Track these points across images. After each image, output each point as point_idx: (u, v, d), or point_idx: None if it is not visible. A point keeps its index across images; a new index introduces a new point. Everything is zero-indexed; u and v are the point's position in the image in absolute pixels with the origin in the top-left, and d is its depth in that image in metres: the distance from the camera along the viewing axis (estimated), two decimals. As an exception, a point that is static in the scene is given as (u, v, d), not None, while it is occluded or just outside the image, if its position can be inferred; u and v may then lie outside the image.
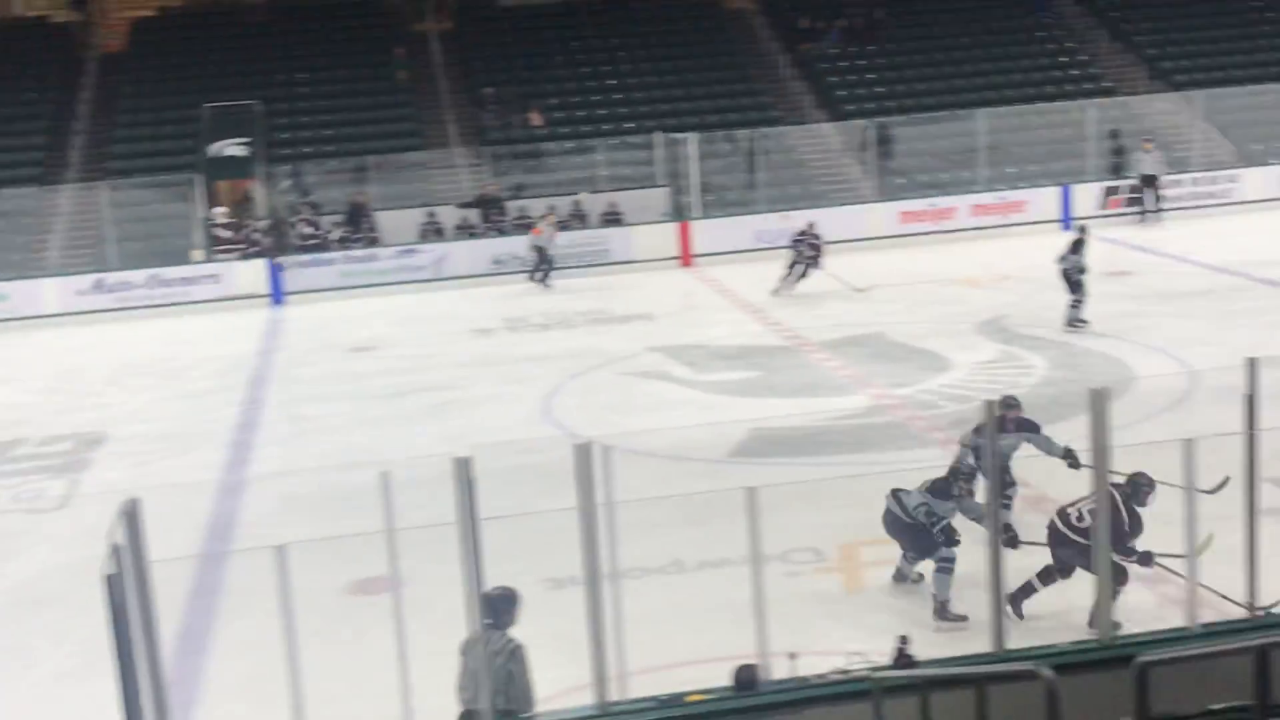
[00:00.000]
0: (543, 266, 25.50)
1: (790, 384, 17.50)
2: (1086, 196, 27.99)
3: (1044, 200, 28.02)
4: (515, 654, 7.15)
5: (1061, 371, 16.93)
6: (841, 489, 12.51)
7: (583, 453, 6.50)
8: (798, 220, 24.50)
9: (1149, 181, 27.43)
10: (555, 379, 18.36)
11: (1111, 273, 23.17)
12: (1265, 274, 21.66)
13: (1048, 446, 11.26)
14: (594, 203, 27.93)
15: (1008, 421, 11.01)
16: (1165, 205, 27.65)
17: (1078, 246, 19.34)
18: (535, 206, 27.36)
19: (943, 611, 9.79)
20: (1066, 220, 27.59)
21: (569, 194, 27.97)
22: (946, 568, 9.84)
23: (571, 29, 33.22)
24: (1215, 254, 23.59)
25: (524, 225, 26.79)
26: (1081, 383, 14.56)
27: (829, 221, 24.53)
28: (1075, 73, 32.25)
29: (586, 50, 32.69)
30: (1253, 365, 8.17)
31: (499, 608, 7.19)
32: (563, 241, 25.95)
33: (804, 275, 22.89)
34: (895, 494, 10.27)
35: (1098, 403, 7.17)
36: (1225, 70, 32.26)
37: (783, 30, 33.73)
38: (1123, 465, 9.20)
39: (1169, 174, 28.11)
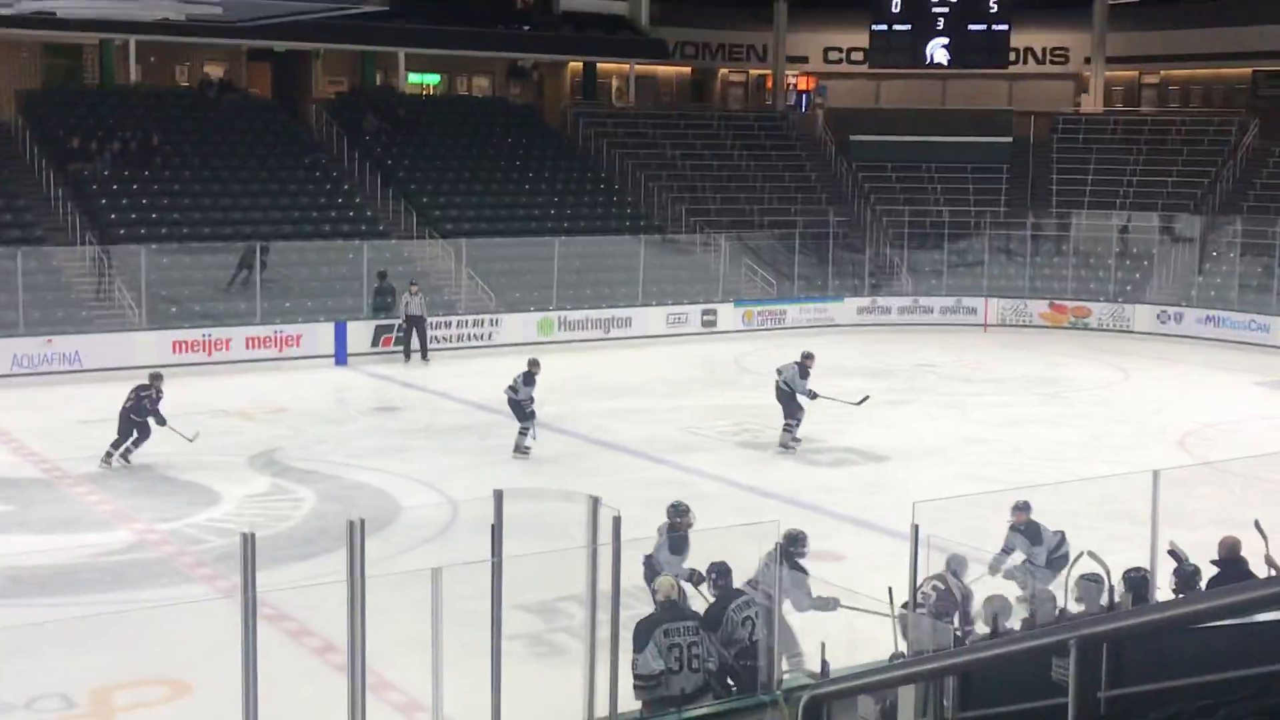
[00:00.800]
0: None
1: (45, 519, 16.38)
2: (360, 333, 28.82)
3: (318, 335, 28.50)
4: None
5: (331, 505, 17.13)
6: (95, 629, 11.82)
7: None
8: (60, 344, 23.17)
9: (415, 322, 28.66)
10: None
11: (380, 408, 23.97)
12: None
13: None
14: None
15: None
16: (432, 345, 29.02)
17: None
18: None
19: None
20: (340, 356, 28.25)
21: None
22: None
23: None
24: (477, 392, 25.04)
25: None
26: (350, 515, 14.80)
27: (93, 348, 23.43)
28: (351, 214, 33.33)
29: None
30: (499, 497, 8.74)
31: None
32: None
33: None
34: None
35: (353, 535, 7.35)
36: (489, 222, 34.76)
37: (52, 149, 32.11)
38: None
39: (435, 316, 29.57)
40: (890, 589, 9.96)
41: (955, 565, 10.94)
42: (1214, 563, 11.15)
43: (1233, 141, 40.02)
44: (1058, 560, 12.34)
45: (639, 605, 10.76)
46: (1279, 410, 24.38)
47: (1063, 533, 12.57)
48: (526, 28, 41.79)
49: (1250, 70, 42.65)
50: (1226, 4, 40.99)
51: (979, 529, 14.39)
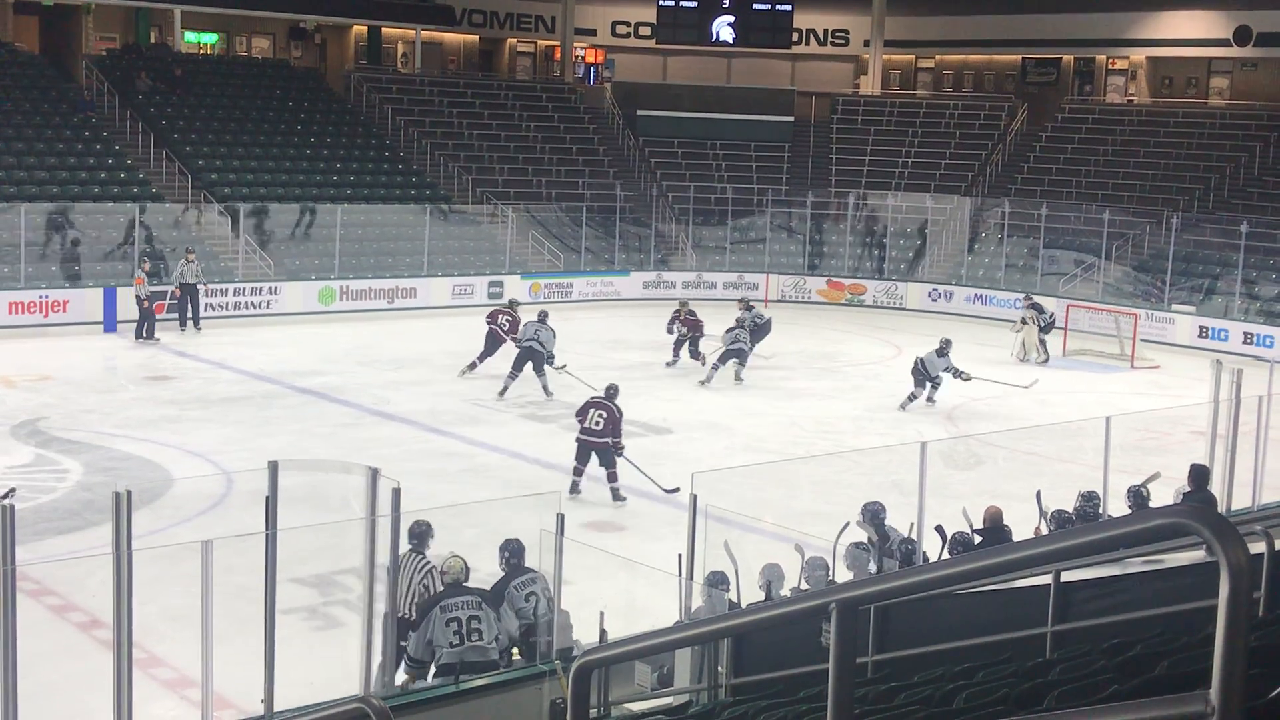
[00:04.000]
0: None
1: None
2: (131, 300, 27.80)
3: (87, 301, 27.40)
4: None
5: (98, 476, 16.53)
6: None
7: None
8: None
9: (189, 291, 27.70)
10: None
11: (153, 377, 23.19)
12: (299, 382, 22.87)
13: None
14: None
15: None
16: (207, 314, 28.18)
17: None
18: None
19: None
20: (110, 323, 27.23)
21: None
22: None
23: None
24: (253, 362, 24.48)
25: None
26: (117, 486, 14.29)
27: None
28: (123, 176, 32.09)
29: None
30: (274, 469, 8.56)
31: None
32: None
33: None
34: None
35: (119, 507, 7.11)
36: (269, 188, 33.91)
37: None
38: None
39: (211, 283, 28.72)
40: (680, 555, 10.11)
41: (871, 514, 11.45)
42: (977, 531, 11.62)
43: (1002, 126, 41.63)
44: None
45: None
46: (1040, 386, 25.51)
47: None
48: (310, -11, 40.83)
49: (1020, 57, 44.40)
50: (998, -6, 42.63)
51: (755, 498, 14.72)
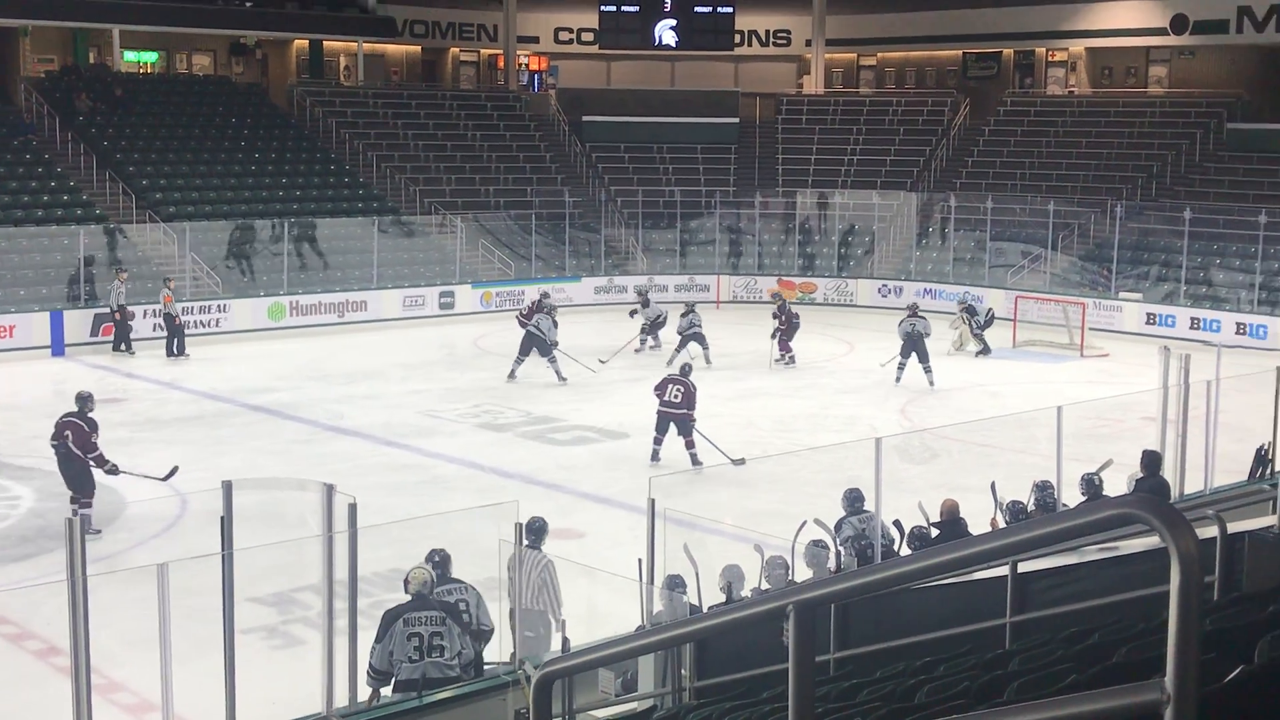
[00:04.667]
0: None
1: None
2: (78, 323, 27.54)
3: (33, 326, 27.11)
4: (549, 566, 10.01)
5: (51, 502, 16.33)
6: None
7: None
8: None
9: (124, 311, 27.38)
10: None
11: (103, 400, 22.94)
12: (251, 400, 22.72)
13: None
14: None
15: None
16: (157, 334, 27.90)
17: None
18: None
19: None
20: (57, 347, 26.97)
21: None
22: None
23: None
24: (204, 381, 24.29)
25: None
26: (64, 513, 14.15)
27: None
28: (65, 198, 31.78)
29: None
30: (228, 488, 8.50)
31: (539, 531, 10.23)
32: None
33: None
34: None
35: (72, 532, 7.05)
36: (214, 205, 33.66)
37: None
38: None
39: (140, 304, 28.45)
40: (640, 560, 10.11)
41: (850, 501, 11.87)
42: (935, 525, 11.69)
43: (945, 121, 41.91)
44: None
45: (377, 593, 10.66)
46: (991, 378, 25.69)
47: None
48: (249, 4, 40.56)
49: (960, 52, 44.72)
50: (937, -11, 42.93)
51: (714, 501, 14.75)
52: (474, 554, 10.42)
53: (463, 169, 38.84)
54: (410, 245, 35.12)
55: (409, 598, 8.98)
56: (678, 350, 25.73)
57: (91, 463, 15.04)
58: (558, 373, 24.29)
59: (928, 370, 24.45)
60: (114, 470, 15.19)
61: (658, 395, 18.81)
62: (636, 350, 27.45)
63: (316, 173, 36.97)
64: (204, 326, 29.22)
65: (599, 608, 10.87)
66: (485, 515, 10.23)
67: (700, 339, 26.24)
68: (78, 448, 15.02)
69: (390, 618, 8.87)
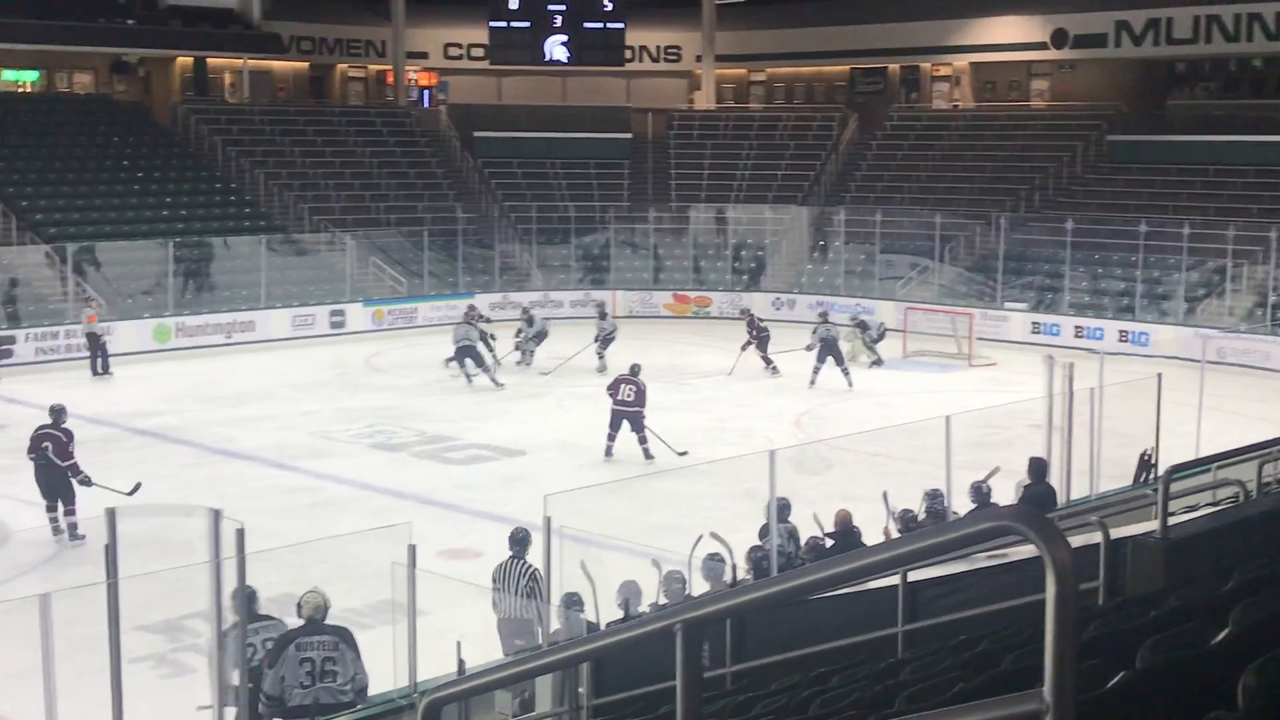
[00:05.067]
0: None
1: None
2: None
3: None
4: (536, 575, 10.44)
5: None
6: None
7: None
8: None
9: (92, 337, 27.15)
10: None
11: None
12: (138, 424, 22.28)
13: None
14: None
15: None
16: (41, 359, 27.29)
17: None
18: None
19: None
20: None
21: None
22: None
23: None
24: (89, 405, 23.70)
25: None
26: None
27: None
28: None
29: None
30: (112, 515, 8.32)
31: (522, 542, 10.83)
32: None
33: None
34: None
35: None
36: (96, 225, 32.99)
37: None
38: None
39: (40, 326, 27.85)
40: (582, 562, 10.10)
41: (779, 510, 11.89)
42: (829, 535, 11.80)
43: (834, 136, 42.41)
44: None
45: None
46: (883, 389, 26.01)
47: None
48: (131, 21, 39.85)
49: (848, 68, 45.31)
50: (824, 5, 43.38)
51: (612, 516, 14.73)
52: (367, 576, 10.31)
53: (352, 186, 38.49)
54: (299, 264, 34.71)
55: (302, 622, 8.85)
56: (600, 353, 27.30)
57: (67, 471, 15.73)
58: (494, 380, 25.70)
59: (845, 373, 25.68)
60: (86, 481, 15.80)
61: (611, 395, 20.12)
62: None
63: (203, 191, 36.41)
64: (88, 349, 28.54)
65: (496, 628, 10.80)
66: (378, 537, 10.11)
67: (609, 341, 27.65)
68: (57, 457, 15.74)
69: (282, 643, 8.73)
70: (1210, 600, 4.27)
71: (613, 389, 20.21)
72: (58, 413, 16.37)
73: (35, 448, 15.87)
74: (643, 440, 19.89)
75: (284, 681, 8.55)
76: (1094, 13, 38.78)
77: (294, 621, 8.93)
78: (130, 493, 15.68)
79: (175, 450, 20.58)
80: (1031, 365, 20.28)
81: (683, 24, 45.50)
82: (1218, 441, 13.17)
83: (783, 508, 12.14)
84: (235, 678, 8.69)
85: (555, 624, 9.66)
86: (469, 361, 25.67)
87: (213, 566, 8.40)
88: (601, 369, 26.70)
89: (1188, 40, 37.69)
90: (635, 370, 20.71)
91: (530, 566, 10.75)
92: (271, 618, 9.28)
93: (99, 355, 26.91)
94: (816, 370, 25.90)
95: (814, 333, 26.24)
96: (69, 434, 16.13)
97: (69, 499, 15.62)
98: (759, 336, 27.68)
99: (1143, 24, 38.20)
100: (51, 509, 15.62)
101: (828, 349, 25.93)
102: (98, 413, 23.18)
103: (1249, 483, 8.13)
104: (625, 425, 19.95)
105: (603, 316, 28.81)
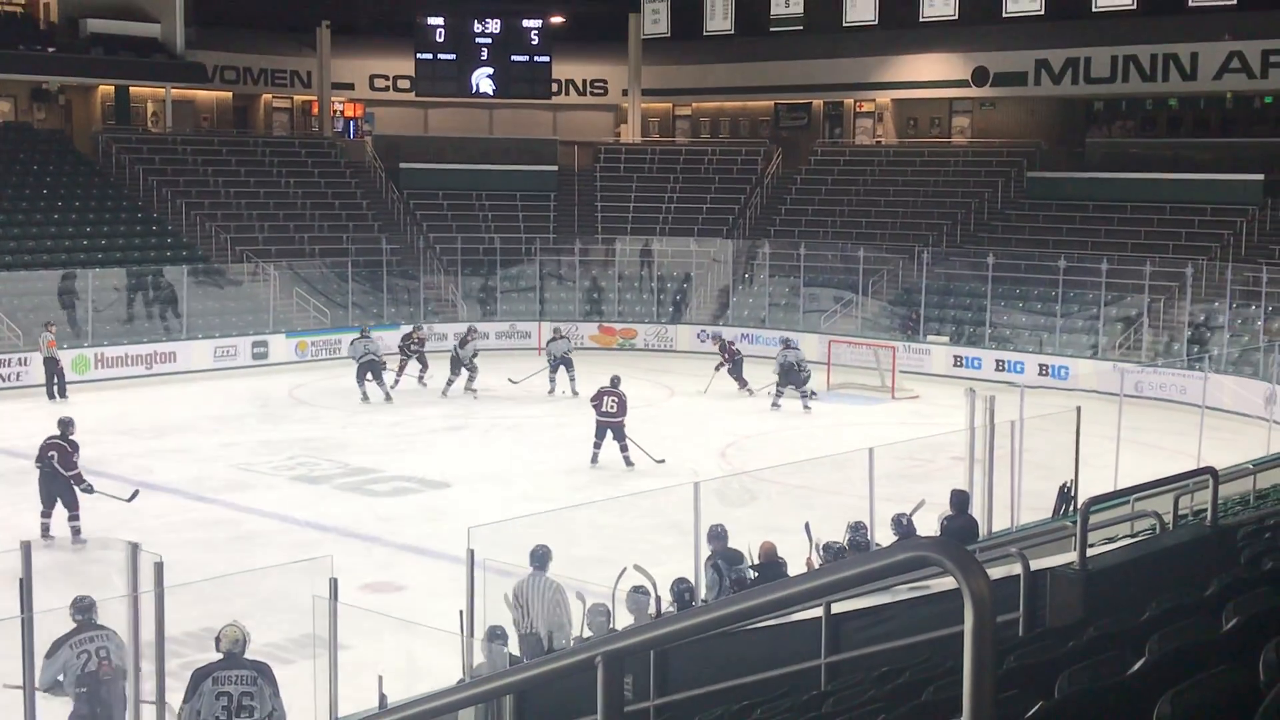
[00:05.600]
0: None
1: None
2: None
3: None
4: (560, 588, 10.70)
5: None
6: None
7: None
8: None
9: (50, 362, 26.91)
10: None
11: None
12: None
13: None
14: None
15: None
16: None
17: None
18: None
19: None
20: None
21: None
22: None
23: None
24: (3, 437, 23.33)
25: None
26: None
27: None
28: None
29: None
30: (27, 549, 8.16)
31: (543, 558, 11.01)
32: None
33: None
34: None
35: None
36: (14, 254, 32.49)
37: None
38: None
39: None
40: (461, 612, 9.98)
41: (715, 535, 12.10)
42: (754, 567, 11.82)
43: (759, 170, 42.74)
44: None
45: (188, 653, 10.32)
46: (806, 421, 26.16)
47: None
48: (52, 49, 39.33)
49: (773, 103, 45.71)
50: (749, 41, 43.75)
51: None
52: (288, 609, 10.18)
53: (276, 216, 38.19)
54: (221, 294, 34.35)
55: (220, 656, 8.72)
56: (552, 374, 28.48)
57: (71, 480, 16.83)
58: (388, 394, 27.37)
59: (805, 396, 26.75)
60: (89, 489, 16.94)
61: (595, 406, 21.79)
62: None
63: (124, 220, 35.96)
64: (3, 381, 28.08)
65: (419, 662, 10.70)
66: (300, 570, 9.99)
67: (570, 364, 28.43)
68: (61, 467, 16.83)
69: (199, 676, 8.59)
70: (1128, 630, 4.32)
71: (596, 401, 21.77)
72: (65, 425, 17.44)
73: (42, 456, 17.00)
74: (624, 449, 21.44)
75: (199, 716, 8.41)
76: (1014, 51, 39.45)
77: (213, 656, 8.80)
78: (130, 499, 17.26)
79: (93, 482, 20.20)
80: (953, 398, 20.49)
81: (609, 58, 45.71)
82: (1135, 474, 13.35)
83: (719, 535, 12.16)
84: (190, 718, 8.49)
85: (479, 657, 9.58)
86: (369, 376, 26.90)
87: (130, 600, 8.26)
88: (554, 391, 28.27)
89: (1106, 79, 38.47)
90: (616, 382, 22.24)
91: (554, 581, 11.03)
92: (106, 628, 9.08)
93: (57, 379, 27.27)
94: (780, 393, 26.96)
95: (776, 358, 27.49)
96: (75, 445, 17.20)
97: (72, 506, 16.75)
98: (733, 360, 29.05)
99: (1062, 63, 38.92)
100: (45, 515, 16.78)
101: (788, 375, 26.91)
102: (12, 445, 22.74)
103: (1166, 514, 8.24)
104: (608, 434, 21.47)
105: (556, 338, 29.76)
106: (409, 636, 10.79)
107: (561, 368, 28.39)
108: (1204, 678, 2.79)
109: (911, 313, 34.47)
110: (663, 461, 21.12)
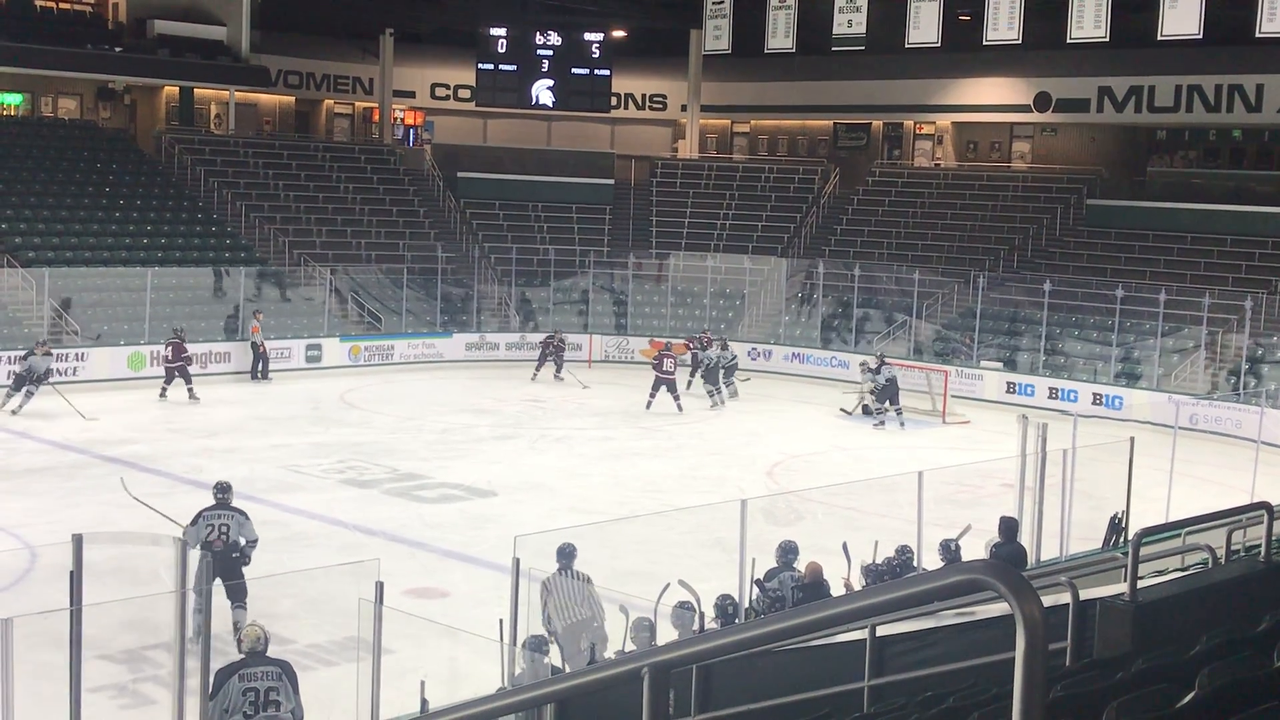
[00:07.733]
0: None
1: None
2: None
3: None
4: (589, 580, 11.30)
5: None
6: None
7: None
8: None
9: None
10: None
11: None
12: (107, 451, 22.12)
13: None
14: None
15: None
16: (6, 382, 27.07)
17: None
18: None
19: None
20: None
21: None
22: None
23: None
24: (59, 431, 23.61)
25: None
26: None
27: None
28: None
29: None
30: (78, 542, 8.24)
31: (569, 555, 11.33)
32: None
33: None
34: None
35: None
36: (76, 251, 32.90)
37: None
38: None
39: (10, 350, 27.66)
40: (501, 620, 9.99)
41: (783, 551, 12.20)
42: (798, 587, 11.76)
43: (816, 189, 42.64)
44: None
45: (233, 651, 10.38)
46: (856, 442, 26.05)
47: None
48: (119, 49, 39.86)
49: (831, 122, 45.62)
50: (810, 60, 43.68)
51: (580, 561, 14.63)
52: (333, 612, 10.23)
53: (334, 221, 38.49)
54: (278, 297, 34.63)
55: (242, 656, 8.80)
56: (539, 363, 31.86)
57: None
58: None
59: (899, 411, 27.73)
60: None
61: (655, 367, 28.04)
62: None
63: (183, 221, 36.35)
64: (61, 374, 28.38)
65: (460, 668, 10.73)
66: (346, 573, 10.05)
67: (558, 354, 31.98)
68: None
69: (224, 674, 8.66)
70: (1177, 664, 4.28)
71: (657, 362, 27.91)
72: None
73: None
74: (676, 398, 27.65)
75: (227, 713, 8.47)
76: (1077, 78, 39.18)
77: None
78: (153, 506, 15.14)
79: (144, 479, 20.40)
80: (1005, 425, 20.36)
81: (669, 73, 45.79)
82: (1188, 507, 13.22)
83: (788, 550, 12.10)
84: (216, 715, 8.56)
85: (519, 666, 9.59)
86: (23, 391, 25.09)
87: (178, 597, 8.33)
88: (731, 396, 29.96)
89: (1169, 109, 38.14)
90: (669, 346, 28.60)
91: (582, 574, 11.34)
92: (234, 510, 9.62)
93: (260, 364, 30.17)
94: (896, 409, 27.75)
95: (879, 373, 28.10)
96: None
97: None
98: (557, 352, 32.34)
99: (1125, 91, 38.62)
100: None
101: (892, 389, 27.79)
102: (66, 438, 23.06)
103: (1218, 548, 8.14)
104: (663, 389, 27.22)
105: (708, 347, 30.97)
106: (451, 642, 10.82)
107: (723, 373, 29.92)
108: (1253, 714, 2.75)
109: (965, 337, 34.24)
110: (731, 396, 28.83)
